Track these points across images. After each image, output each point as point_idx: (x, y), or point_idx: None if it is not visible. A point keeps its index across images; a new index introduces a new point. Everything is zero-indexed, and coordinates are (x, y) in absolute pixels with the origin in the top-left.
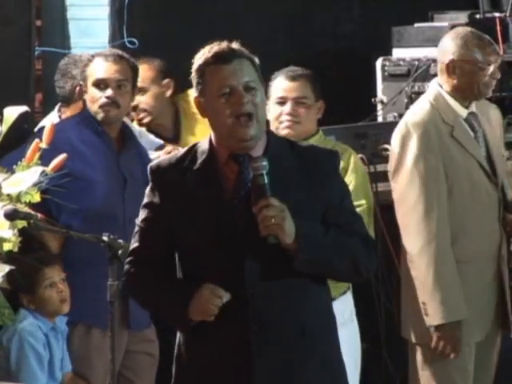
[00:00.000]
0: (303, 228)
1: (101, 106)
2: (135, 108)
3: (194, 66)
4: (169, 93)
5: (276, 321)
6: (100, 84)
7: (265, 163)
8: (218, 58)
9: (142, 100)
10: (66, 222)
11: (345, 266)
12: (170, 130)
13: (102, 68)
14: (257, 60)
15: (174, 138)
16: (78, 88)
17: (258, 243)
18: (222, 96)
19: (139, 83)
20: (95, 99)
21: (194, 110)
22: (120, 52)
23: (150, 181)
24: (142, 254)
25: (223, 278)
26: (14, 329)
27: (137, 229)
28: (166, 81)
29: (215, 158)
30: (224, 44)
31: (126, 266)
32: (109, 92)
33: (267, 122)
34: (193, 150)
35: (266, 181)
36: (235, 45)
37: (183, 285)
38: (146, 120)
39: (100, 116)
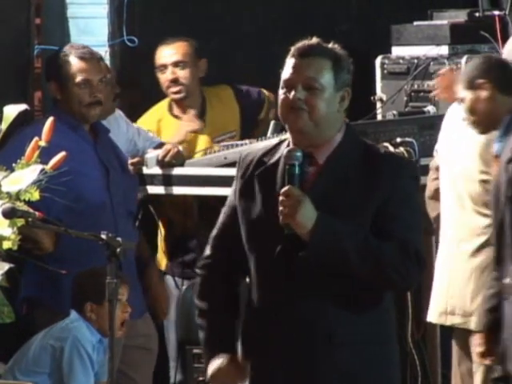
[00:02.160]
0: (323, 221)
1: (89, 105)
2: (175, 81)
3: None
4: (202, 73)
5: (303, 322)
6: (82, 84)
7: (298, 154)
8: (296, 52)
9: (181, 74)
10: (56, 218)
11: (365, 268)
12: (197, 115)
13: (83, 68)
14: (346, 63)
15: (199, 126)
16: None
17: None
18: (283, 88)
19: (180, 57)
20: (81, 99)
21: (223, 105)
22: (89, 48)
23: (236, 169)
24: (218, 242)
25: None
26: (68, 330)
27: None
28: (202, 60)
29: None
30: (312, 40)
31: (201, 262)
32: (95, 92)
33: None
34: (281, 143)
35: (297, 171)
36: (328, 44)
37: (223, 333)
38: (181, 94)
39: (90, 115)
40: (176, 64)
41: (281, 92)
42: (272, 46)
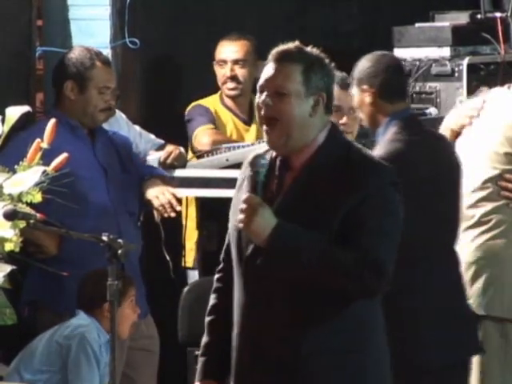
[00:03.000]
0: (280, 231)
1: (102, 110)
2: (233, 78)
3: None
4: (259, 74)
5: (272, 334)
6: (103, 89)
7: (263, 161)
8: (272, 58)
9: (240, 73)
10: (58, 220)
11: (320, 277)
12: (246, 113)
13: (107, 74)
14: (321, 67)
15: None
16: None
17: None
18: (258, 93)
19: (241, 56)
20: (98, 104)
21: None
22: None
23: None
24: (225, 254)
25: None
26: (75, 329)
27: None
28: (260, 61)
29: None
30: (292, 45)
31: (216, 274)
32: (110, 99)
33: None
34: None
35: (261, 178)
36: (306, 48)
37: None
38: (236, 92)
39: (100, 120)
40: (236, 62)
41: (257, 96)
42: (273, 47)
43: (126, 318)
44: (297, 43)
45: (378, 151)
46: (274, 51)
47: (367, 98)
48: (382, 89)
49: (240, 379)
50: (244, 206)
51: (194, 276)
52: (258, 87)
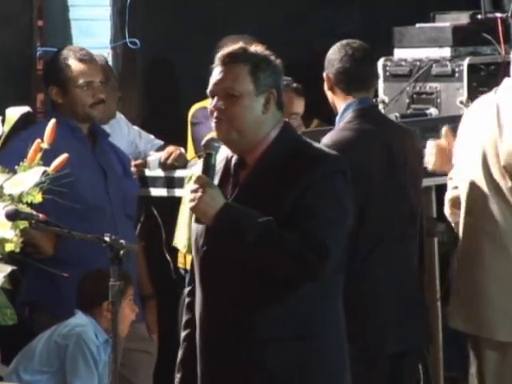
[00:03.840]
0: (227, 209)
1: (93, 105)
2: None
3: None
4: None
5: (225, 320)
6: (84, 86)
7: (216, 144)
8: (219, 60)
9: None
10: (57, 221)
11: (263, 259)
12: None
13: (84, 70)
14: (268, 65)
15: None
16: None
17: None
18: (210, 98)
19: None
20: (84, 101)
21: None
22: (87, 50)
23: None
24: None
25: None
26: (73, 329)
27: None
28: None
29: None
30: (237, 46)
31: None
32: (97, 92)
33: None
34: None
35: (212, 161)
36: (252, 46)
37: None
38: None
39: (94, 114)
40: None
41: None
42: (273, 48)
43: (125, 317)
44: (241, 44)
45: (325, 139)
46: (220, 54)
47: (326, 85)
48: (337, 77)
49: (200, 367)
50: (194, 186)
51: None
52: (208, 92)
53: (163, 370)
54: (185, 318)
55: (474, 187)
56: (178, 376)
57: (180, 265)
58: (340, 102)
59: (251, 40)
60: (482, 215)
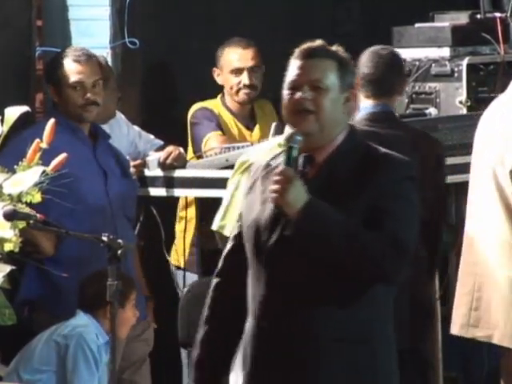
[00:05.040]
0: (312, 203)
1: (83, 106)
2: (251, 86)
3: None
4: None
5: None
6: (75, 86)
7: (298, 137)
8: (300, 54)
9: (258, 79)
10: (56, 221)
11: (350, 254)
12: (248, 119)
13: (77, 70)
14: (350, 65)
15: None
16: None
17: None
18: (289, 89)
19: (256, 63)
20: (75, 101)
21: (266, 117)
22: (85, 51)
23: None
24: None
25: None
26: (74, 329)
27: None
28: (263, 66)
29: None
30: (316, 42)
31: (214, 280)
32: (89, 93)
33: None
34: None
35: (294, 154)
36: (329, 46)
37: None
38: (251, 98)
39: (85, 116)
40: (252, 69)
41: (285, 93)
42: (273, 48)
43: (127, 321)
44: (319, 41)
45: None
46: (303, 48)
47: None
48: (360, 81)
49: (256, 368)
50: (278, 177)
51: (183, 276)
52: (287, 84)
53: (162, 368)
54: (207, 312)
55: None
56: (194, 375)
57: (174, 262)
58: (360, 105)
59: (251, 44)
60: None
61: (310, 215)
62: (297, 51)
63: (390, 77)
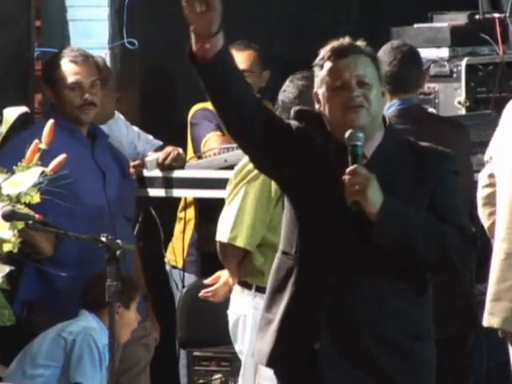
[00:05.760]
0: (390, 201)
1: (81, 107)
2: None
3: (315, 61)
4: (263, 84)
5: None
6: (73, 87)
7: (361, 135)
8: (335, 53)
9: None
10: (55, 221)
11: (430, 249)
12: None
13: (74, 71)
14: (379, 60)
15: None
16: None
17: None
18: (334, 89)
19: (247, 67)
20: (72, 102)
21: None
22: (82, 51)
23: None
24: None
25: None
26: (81, 325)
27: None
28: (265, 71)
29: (331, 144)
30: (345, 40)
31: None
32: (87, 94)
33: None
34: (305, 120)
35: (359, 152)
36: (357, 42)
37: None
38: None
39: (82, 117)
40: (246, 71)
41: (330, 93)
42: (273, 48)
43: (130, 324)
44: (347, 39)
45: None
46: (337, 47)
47: None
48: (384, 79)
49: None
50: (354, 177)
51: (181, 276)
52: (332, 84)
53: (161, 368)
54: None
55: None
56: None
57: (170, 262)
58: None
59: (257, 49)
60: None
61: (391, 213)
62: (329, 51)
63: (414, 73)
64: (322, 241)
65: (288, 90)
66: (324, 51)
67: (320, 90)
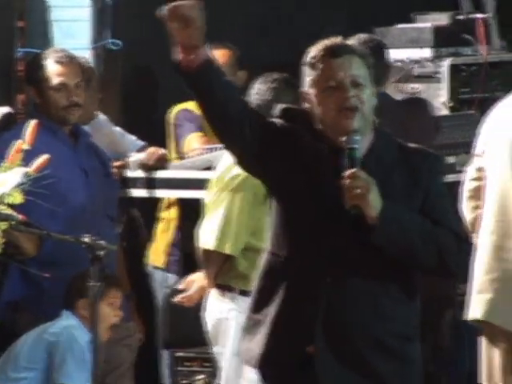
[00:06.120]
0: (389, 205)
1: (66, 108)
2: None
3: (305, 60)
4: (239, 83)
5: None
6: (58, 87)
7: (357, 137)
8: (328, 52)
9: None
10: (37, 222)
11: (428, 253)
12: None
13: (60, 72)
14: (371, 59)
15: None
16: None
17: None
18: (327, 89)
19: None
20: (58, 103)
21: None
22: (67, 52)
23: (281, 118)
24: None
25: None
26: (63, 327)
27: None
28: (242, 72)
29: (321, 144)
30: (337, 39)
31: None
32: (72, 95)
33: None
34: (292, 119)
35: (357, 155)
36: (349, 41)
37: None
38: None
39: (68, 118)
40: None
41: (322, 93)
42: (259, 49)
43: (106, 319)
44: (338, 38)
45: None
46: (329, 47)
47: None
48: None
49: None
50: (353, 180)
51: (164, 276)
52: (325, 83)
53: (143, 368)
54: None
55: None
56: None
57: (152, 262)
58: None
59: (233, 49)
60: None
61: (391, 217)
62: (321, 50)
63: (383, 66)
64: (313, 241)
65: (261, 92)
66: (315, 50)
67: (312, 89)
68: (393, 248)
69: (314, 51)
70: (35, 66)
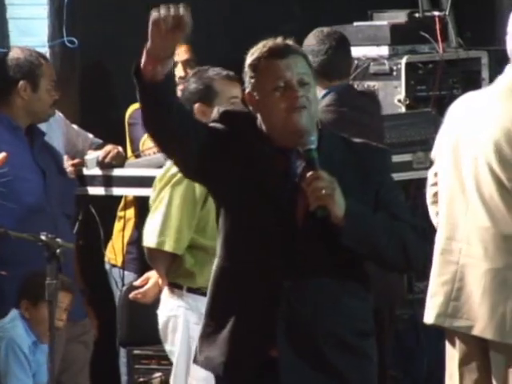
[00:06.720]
0: (352, 204)
1: (51, 105)
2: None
3: (248, 61)
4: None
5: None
6: (51, 86)
7: (313, 138)
8: (273, 53)
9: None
10: None
11: (394, 248)
12: None
13: (51, 70)
14: (310, 57)
15: None
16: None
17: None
18: (276, 90)
19: (188, 56)
20: (49, 100)
21: None
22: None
23: (221, 122)
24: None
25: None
26: (4, 330)
27: None
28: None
29: (267, 147)
30: (279, 40)
31: None
32: (54, 92)
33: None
34: (234, 123)
35: (316, 156)
36: (289, 41)
37: None
38: None
39: (51, 114)
40: (187, 62)
41: (269, 94)
42: (215, 47)
43: (43, 321)
44: (280, 38)
45: None
46: (274, 47)
47: None
48: (321, 68)
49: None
50: (317, 181)
51: (121, 275)
52: (274, 84)
53: (101, 366)
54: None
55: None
56: None
57: (110, 260)
58: (321, 88)
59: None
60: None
61: (356, 215)
62: (266, 51)
63: (347, 59)
64: (266, 246)
65: (194, 85)
66: (258, 51)
67: (256, 91)
68: (360, 245)
69: (256, 53)
70: (32, 62)
